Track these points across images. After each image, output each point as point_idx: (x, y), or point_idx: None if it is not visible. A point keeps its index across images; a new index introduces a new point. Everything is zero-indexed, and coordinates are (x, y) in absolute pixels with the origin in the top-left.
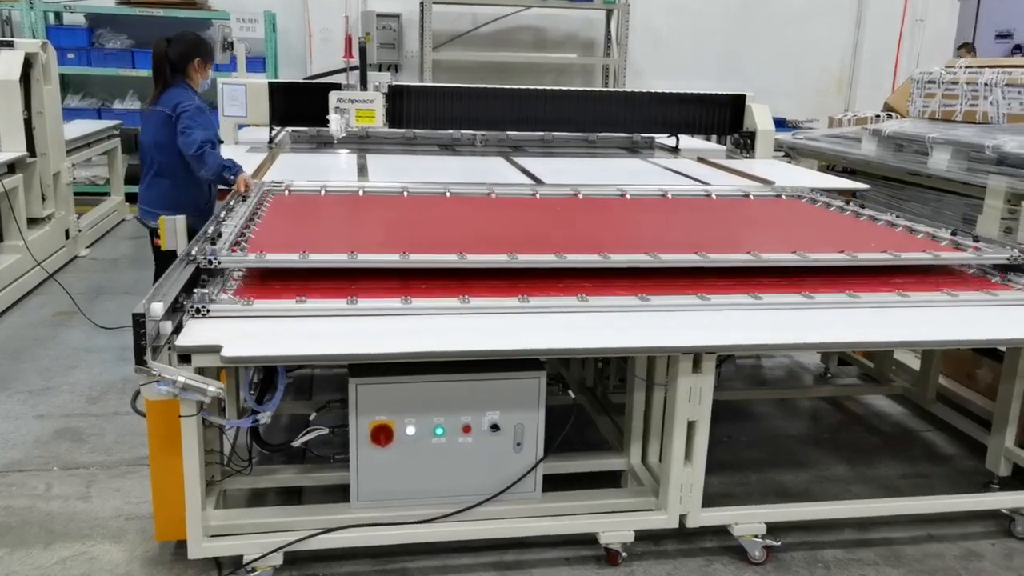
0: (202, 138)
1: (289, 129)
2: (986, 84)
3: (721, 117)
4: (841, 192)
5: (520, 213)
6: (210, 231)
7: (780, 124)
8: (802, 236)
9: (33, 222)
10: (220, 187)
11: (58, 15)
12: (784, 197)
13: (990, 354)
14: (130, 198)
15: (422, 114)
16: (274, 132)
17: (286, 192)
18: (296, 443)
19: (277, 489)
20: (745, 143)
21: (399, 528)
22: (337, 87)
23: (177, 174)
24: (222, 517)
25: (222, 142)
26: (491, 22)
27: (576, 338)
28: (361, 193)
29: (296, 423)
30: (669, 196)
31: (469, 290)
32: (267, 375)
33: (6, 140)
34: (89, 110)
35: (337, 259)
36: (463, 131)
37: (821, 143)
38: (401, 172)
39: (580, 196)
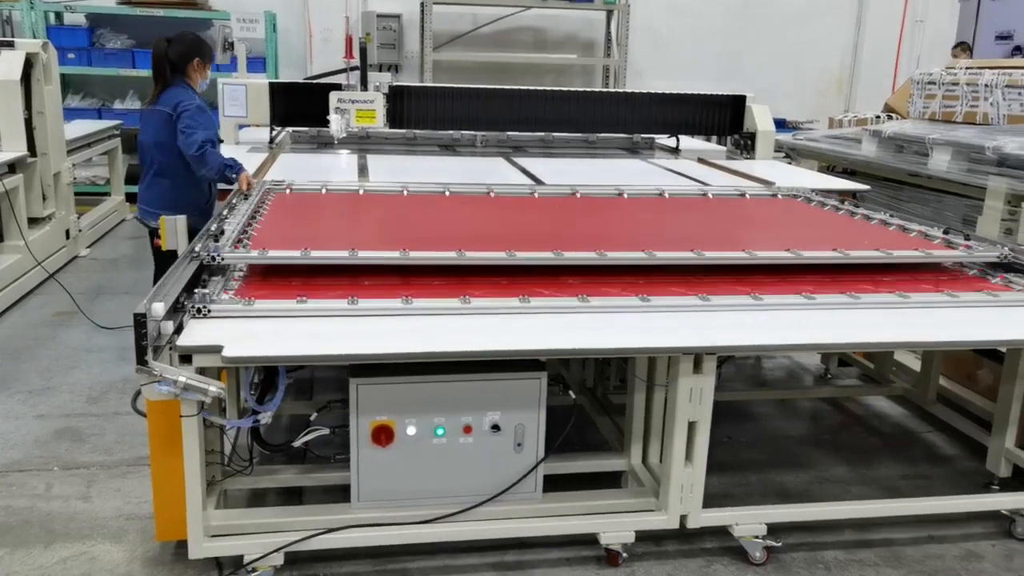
0: (203, 138)
1: (289, 129)
2: (986, 85)
3: (721, 118)
4: (841, 193)
5: (519, 212)
6: (213, 228)
7: (780, 125)
8: (797, 234)
9: (33, 222)
10: (220, 188)
11: (59, 15)
12: (780, 196)
13: (990, 355)
14: (130, 198)
15: (422, 115)
16: (274, 132)
17: (287, 191)
18: (297, 443)
19: (278, 489)
20: (745, 144)
21: (400, 528)
22: (337, 87)
23: (177, 174)
24: (223, 517)
25: (222, 141)
26: (491, 23)
27: (577, 339)
28: (361, 192)
29: (297, 423)
30: (666, 195)
31: (469, 287)
32: (268, 375)
33: (7, 140)
34: (89, 110)
35: (338, 255)
36: (463, 131)
37: (821, 144)
38: (402, 172)
39: (578, 195)
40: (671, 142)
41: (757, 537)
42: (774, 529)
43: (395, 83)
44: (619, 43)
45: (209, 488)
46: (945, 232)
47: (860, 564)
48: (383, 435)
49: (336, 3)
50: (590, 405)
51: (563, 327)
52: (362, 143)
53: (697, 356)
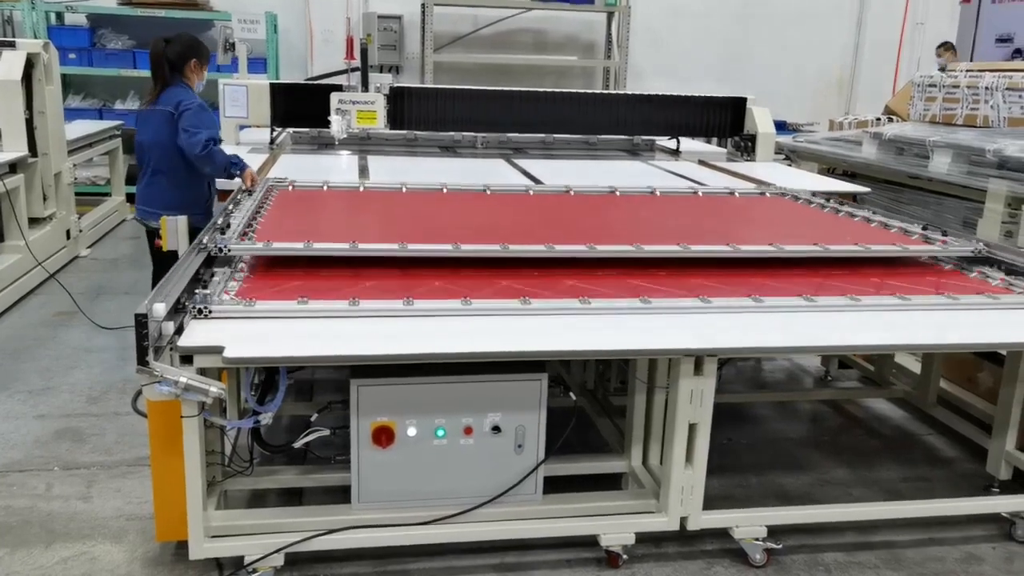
0: (207, 136)
1: (290, 130)
2: (987, 88)
3: (722, 120)
4: (842, 195)
5: (514, 208)
6: (219, 222)
7: (781, 127)
8: (781, 230)
9: (34, 222)
10: (221, 188)
11: (60, 15)
12: (768, 195)
13: (991, 358)
14: (131, 198)
15: (423, 116)
16: (275, 133)
17: (290, 187)
18: (297, 444)
19: (278, 490)
20: (746, 146)
21: (400, 529)
22: (338, 88)
23: (178, 173)
24: (223, 518)
25: (221, 141)
26: (492, 24)
27: (577, 340)
28: (362, 189)
29: (297, 424)
30: (658, 194)
31: (464, 278)
32: (268, 376)
33: (8, 140)
34: (90, 110)
35: (339, 248)
36: (464, 133)
37: (822, 146)
38: (402, 173)
39: (572, 193)
40: (671, 144)
41: (757, 539)
42: (774, 531)
43: (396, 84)
44: (619, 45)
45: (209, 489)
46: (924, 228)
47: (860, 566)
48: (384, 436)
49: (337, 4)
50: (590, 407)
51: (564, 329)
52: (363, 144)
53: (698, 358)
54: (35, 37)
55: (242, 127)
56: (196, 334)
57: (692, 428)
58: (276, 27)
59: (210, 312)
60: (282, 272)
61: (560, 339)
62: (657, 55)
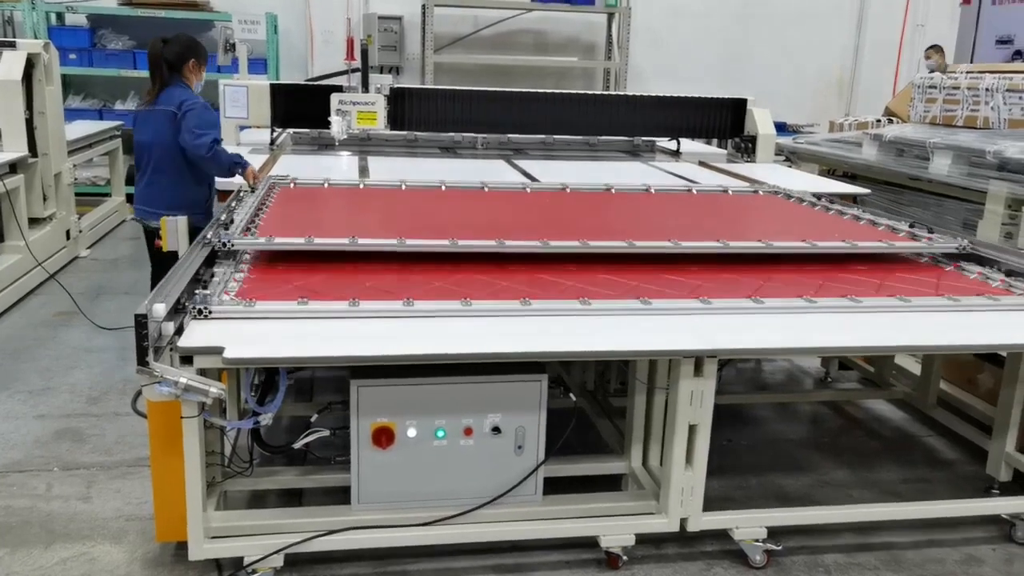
0: (212, 138)
1: (291, 131)
2: (987, 89)
3: (722, 121)
4: (842, 197)
5: (510, 205)
6: (223, 218)
7: (781, 128)
8: (771, 227)
9: (34, 222)
10: (221, 189)
11: (60, 16)
12: (761, 193)
13: (991, 359)
14: (131, 199)
15: (423, 117)
16: (276, 134)
17: (291, 185)
18: (297, 445)
19: (278, 491)
20: (746, 147)
21: (400, 530)
22: (339, 89)
23: (179, 172)
24: (223, 518)
25: (222, 140)
26: (492, 25)
27: (577, 341)
28: (361, 187)
29: (297, 425)
30: (653, 191)
31: (462, 272)
32: (268, 377)
33: (8, 140)
34: (91, 111)
35: (339, 242)
36: (464, 134)
37: (822, 147)
38: (402, 174)
39: (568, 191)
40: (672, 145)
41: (757, 540)
42: (774, 532)
43: (396, 85)
44: (620, 46)
45: (209, 489)
46: (911, 226)
47: (860, 568)
48: (383, 437)
49: (337, 5)
50: (590, 408)
51: (564, 330)
52: (363, 145)
53: (698, 359)
54: (35, 37)
55: (242, 128)
56: (196, 334)
57: (692, 429)
58: (276, 28)
59: (210, 312)
60: (283, 266)
61: (560, 340)
62: (657, 56)
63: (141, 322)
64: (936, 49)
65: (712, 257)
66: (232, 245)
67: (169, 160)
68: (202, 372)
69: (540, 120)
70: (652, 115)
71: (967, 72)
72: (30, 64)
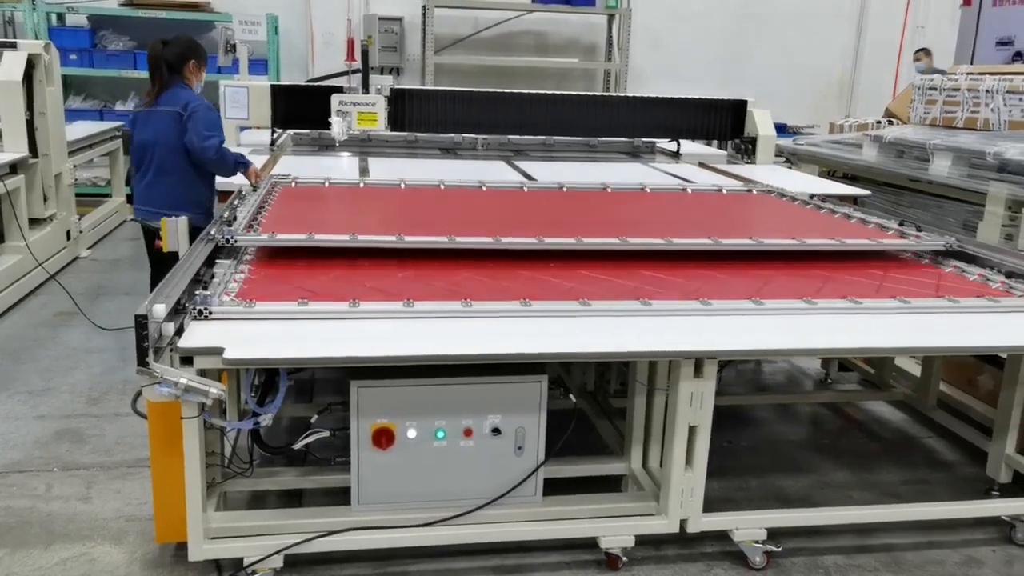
0: (219, 140)
1: (291, 132)
2: (987, 91)
3: (722, 122)
4: (842, 198)
5: (507, 203)
6: (226, 215)
7: (781, 129)
8: (763, 225)
9: (34, 223)
10: (221, 190)
11: (61, 16)
12: (755, 192)
13: (991, 361)
14: (132, 199)
15: (424, 118)
16: (276, 135)
17: (292, 184)
18: (297, 445)
19: (278, 491)
20: (746, 148)
21: (400, 531)
22: (339, 90)
23: (183, 172)
24: (223, 519)
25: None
26: (493, 26)
27: (577, 342)
28: (362, 186)
29: (297, 425)
30: (648, 190)
31: (460, 268)
32: (268, 377)
33: (8, 141)
34: (91, 111)
35: (340, 239)
36: (465, 135)
37: (822, 149)
38: (402, 174)
39: (564, 189)
40: (672, 147)
41: (757, 542)
42: (774, 534)
43: (396, 86)
44: (620, 47)
45: (209, 490)
46: (900, 224)
47: (860, 569)
48: (383, 438)
49: (338, 6)
50: (590, 409)
51: (564, 331)
52: (363, 146)
53: (698, 360)
54: (36, 38)
55: (243, 128)
56: (196, 335)
57: (692, 430)
58: (277, 29)
59: (210, 313)
60: (284, 263)
61: (560, 341)
62: (658, 57)
63: (141, 323)
64: (925, 52)
65: (704, 254)
66: (236, 241)
67: (173, 160)
68: (202, 373)
69: (540, 121)
70: (652, 116)
71: (967, 74)
72: (31, 65)
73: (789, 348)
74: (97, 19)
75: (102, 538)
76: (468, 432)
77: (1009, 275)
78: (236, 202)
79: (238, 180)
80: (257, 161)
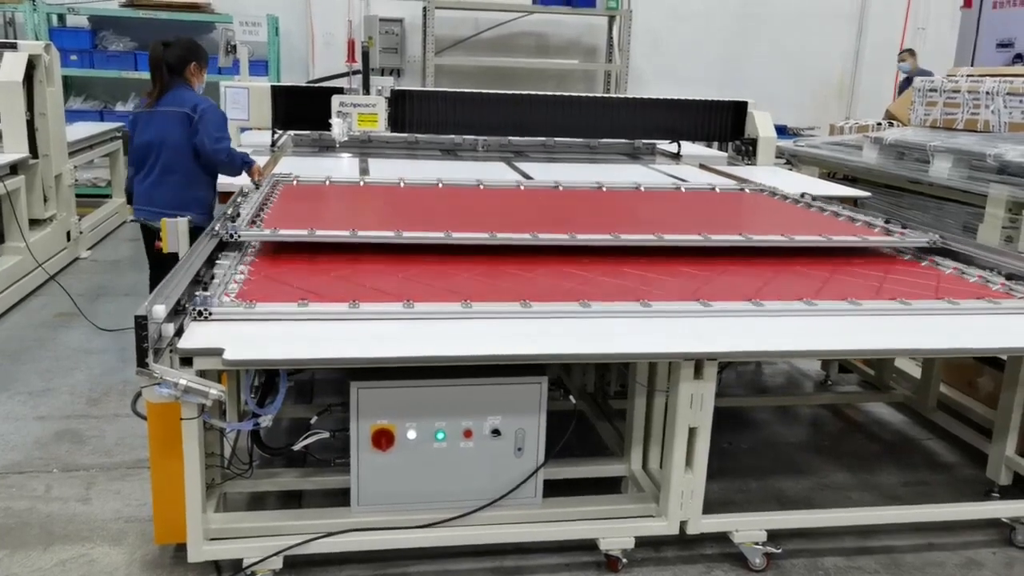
0: (229, 142)
1: (291, 133)
2: (987, 93)
3: (723, 124)
4: (842, 199)
5: (504, 201)
6: (229, 212)
7: (781, 131)
8: (753, 222)
9: (35, 223)
10: (221, 190)
11: (61, 17)
12: (747, 191)
13: (991, 362)
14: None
15: (424, 119)
16: (276, 136)
17: (294, 182)
18: (297, 446)
19: (277, 493)
20: (746, 150)
21: (399, 532)
22: (339, 91)
23: (189, 171)
24: (222, 520)
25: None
26: (493, 27)
27: (578, 344)
28: (361, 184)
29: (297, 426)
30: (642, 189)
31: (457, 264)
32: (268, 378)
33: (9, 141)
34: (91, 112)
35: (340, 234)
36: (465, 136)
37: (822, 150)
38: (402, 175)
39: (560, 188)
40: (673, 148)
41: (757, 543)
42: (774, 535)
43: (397, 87)
44: (621, 49)
45: (209, 491)
46: (887, 222)
47: (860, 571)
48: (383, 439)
49: (338, 7)
50: (590, 410)
51: (564, 332)
52: (364, 147)
53: (698, 362)
54: (37, 39)
55: (243, 129)
56: (196, 336)
57: (692, 432)
58: (277, 30)
59: (210, 314)
60: (286, 257)
61: (560, 342)
62: (658, 59)
63: (141, 323)
64: (910, 52)
65: (694, 250)
66: (239, 236)
67: (179, 160)
68: (202, 374)
69: (540, 123)
70: (653, 118)
71: (968, 75)
72: (31, 65)
73: (789, 349)
74: (98, 20)
75: (101, 539)
76: (468, 433)
77: (1009, 277)
78: (239, 199)
79: (239, 180)
80: (258, 162)
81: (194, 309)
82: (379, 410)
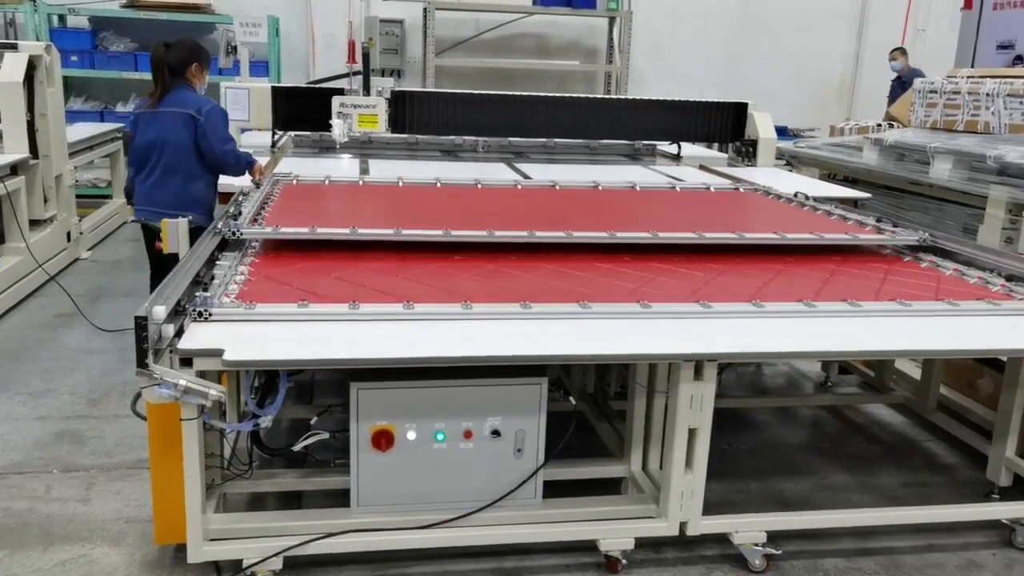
0: (235, 143)
1: (292, 133)
2: (988, 94)
3: (723, 125)
4: (842, 201)
5: (501, 200)
6: (231, 210)
7: (781, 132)
8: (747, 221)
9: (35, 224)
10: (222, 191)
11: (62, 18)
12: (742, 190)
13: (991, 364)
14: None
15: (424, 119)
16: (277, 136)
17: (294, 182)
18: (297, 447)
19: (277, 493)
20: (747, 151)
21: (399, 533)
22: (340, 92)
23: (191, 172)
24: (222, 521)
25: None
26: (494, 28)
27: (577, 345)
28: (361, 183)
29: (297, 427)
30: (638, 188)
31: (455, 262)
32: (268, 379)
33: (9, 142)
34: (92, 112)
35: (340, 232)
36: (465, 137)
37: (822, 152)
38: (402, 176)
39: (557, 187)
40: (673, 149)
41: (757, 545)
42: (774, 537)
43: (397, 88)
44: (621, 50)
45: (208, 492)
46: (878, 220)
47: (860, 572)
48: (383, 440)
49: (339, 8)
50: (590, 411)
51: (564, 333)
52: (364, 148)
53: (698, 363)
54: (37, 39)
55: (244, 130)
56: (196, 337)
57: (692, 433)
58: (278, 30)
59: (210, 315)
60: (286, 255)
61: (560, 343)
62: (658, 60)
63: (141, 324)
64: (901, 51)
65: (688, 248)
66: (241, 234)
67: (181, 160)
68: (202, 374)
69: (541, 123)
70: (653, 119)
71: (968, 77)
72: (32, 66)
73: (789, 350)
74: (98, 21)
75: (101, 539)
76: (468, 434)
77: (1009, 278)
78: (240, 198)
79: (239, 181)
80: (259, 162)
81: (194, 310)
82: (379, 411)
